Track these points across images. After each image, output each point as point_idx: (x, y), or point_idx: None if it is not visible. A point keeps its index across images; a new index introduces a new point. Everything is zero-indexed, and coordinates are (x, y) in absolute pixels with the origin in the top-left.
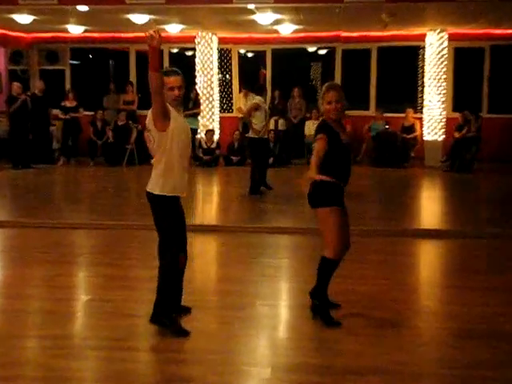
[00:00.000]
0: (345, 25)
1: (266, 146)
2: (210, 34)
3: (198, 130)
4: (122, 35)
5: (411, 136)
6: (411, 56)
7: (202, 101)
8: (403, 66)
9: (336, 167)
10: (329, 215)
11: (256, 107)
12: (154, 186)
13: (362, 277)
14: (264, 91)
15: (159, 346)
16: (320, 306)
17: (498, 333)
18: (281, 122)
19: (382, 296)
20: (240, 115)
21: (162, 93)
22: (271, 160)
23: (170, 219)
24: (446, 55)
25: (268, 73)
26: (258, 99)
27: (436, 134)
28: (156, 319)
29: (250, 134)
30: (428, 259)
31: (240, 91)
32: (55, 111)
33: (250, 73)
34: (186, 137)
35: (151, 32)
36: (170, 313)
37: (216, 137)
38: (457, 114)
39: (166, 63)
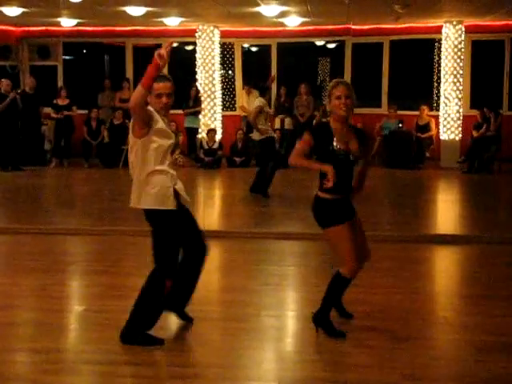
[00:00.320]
0: (355, 17)
1: (273, 146)
2: (211, 28)
3: (199, 130)
4: (118, 29)
5: (426, 135)
6: (426, 49)
7: (203, 98)
8: (417, 61)
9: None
10: (339, 233)
11: (260, 111)
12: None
13: (374, 286)
14: (268, 92)
15: (158, 359)
16: (321, 317)
17: None
18: (287, 120)
19: (395, 306)
20: (243, 114)
21: (144, 107)
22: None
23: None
24: (464, 48)
25: (273, 68)
26: (261, 101)
27: (453, 132)
28: (128, 339)
29: (256, 137)
30: (444, 267)
31: (243, 88)
32: (47, 110)
33: (254, 68)
34: (161, 150)
35: (162, 52)
36: (144, 331)
37: (218, 137)
38: (475, 112)
39: None
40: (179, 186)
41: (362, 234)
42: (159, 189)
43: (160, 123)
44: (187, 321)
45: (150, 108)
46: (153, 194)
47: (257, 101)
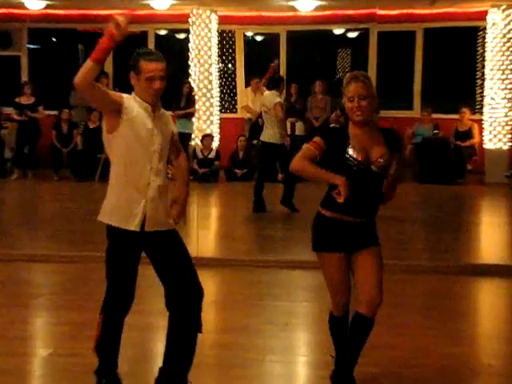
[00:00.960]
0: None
1: (280, 154)
2: (207, 12)
3: (193, 136)
4: (94, 12)
5: (468, 143)
6: (468, 40)
7: (197, 98)
8: (457, 53)
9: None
10: (327, 262)
11: (282, 107)
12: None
13: (403, 326)
14: (281, 84)
15: None
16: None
17: None
18: (298, 125)
19: (430, 351)
20: (248, 115)
21: (93, 85)
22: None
23: (114, 260)
24: None
25: (282, 63)
26: (278, 96)
27: (500, 140)
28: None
29: (267, 138)
30: (489, 303)
31: (247, 85)
32: (7, 110)
33: (258, 62)
34: (140, 147)
35: (121, 19)
36: (105, 371)
37: (215, 144)
38: None
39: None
40: (152, 206)
41: (375, 272)
42: (120, 202)
43: (136, 111)
44: None
45: (124, 95)
46: (111, 206)
47: (272, 96)
